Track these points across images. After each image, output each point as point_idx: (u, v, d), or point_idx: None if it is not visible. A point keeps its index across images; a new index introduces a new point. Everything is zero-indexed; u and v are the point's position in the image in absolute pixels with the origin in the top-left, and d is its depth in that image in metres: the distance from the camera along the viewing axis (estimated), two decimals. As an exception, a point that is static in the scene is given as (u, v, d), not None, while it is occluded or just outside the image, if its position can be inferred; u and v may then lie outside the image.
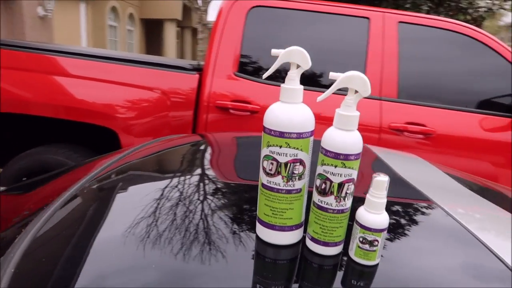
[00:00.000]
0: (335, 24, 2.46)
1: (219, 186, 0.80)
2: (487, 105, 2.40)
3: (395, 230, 0.64)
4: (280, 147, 0.49)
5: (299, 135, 0.49)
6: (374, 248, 0.50)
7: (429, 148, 2.29)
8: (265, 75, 0.52)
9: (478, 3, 5.05)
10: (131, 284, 0.45)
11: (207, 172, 0.92)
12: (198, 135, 1.47)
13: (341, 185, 0.49)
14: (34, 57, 2.26)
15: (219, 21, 2.46)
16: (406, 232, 0.65)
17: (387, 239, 0.59)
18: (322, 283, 0.50)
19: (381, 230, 0.49)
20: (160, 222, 0.59)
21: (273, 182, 0.51)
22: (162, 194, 0.71)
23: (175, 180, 0.81)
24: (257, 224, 0.56)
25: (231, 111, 2.32)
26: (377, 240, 0.49)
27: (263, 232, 0.55)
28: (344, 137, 0.48)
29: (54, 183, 1.08)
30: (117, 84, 2.28)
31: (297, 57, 0.49)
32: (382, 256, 0.53)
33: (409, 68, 2.39)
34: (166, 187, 0.76)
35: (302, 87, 0.50)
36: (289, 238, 0.54)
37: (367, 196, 0.50)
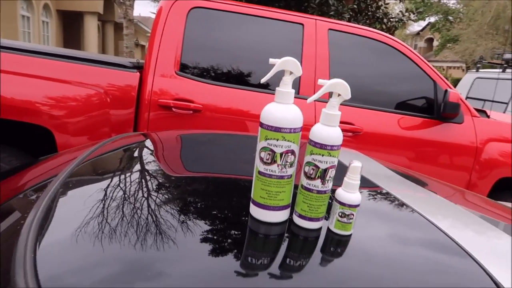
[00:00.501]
0: (272, 28, 2.61)
1: (172, 180, 0.87)
2: (404, 107, 2.72)
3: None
4: (277, 140, 0.59)
5: (293, 130, 0.59)
6: (350, 221, 0.62)
7: (357, 145, 2.54)
8: (263, 80, 0.61)
9: (391, 14, 5.62)
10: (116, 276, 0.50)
11: (155, 169, 0.97)
12: (141, 135, 1.49)
13: (326, 171, 0.61)
14: None
15: (159, 20, 2.48)
16: (367, 212, 0.79)
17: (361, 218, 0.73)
18: (306, 252, 0.61)
19: (356, 206, 0.62)
20: (113, 217, 0.62)
21: (269, 169, 0.61)
22: (107, 195, 0.73)
23: (121, 180, 0.84)
24: (252, 206, 0.65)
25: (174, 109, 2.35)
26: (353, 214, 0.62)
27: (258, 212, 0.65)
28: (329, 131, 0.60)
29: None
30: (55, 81, 2.19)
31: (291, 66, 0.60)
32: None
33: (338, 72, 2.62)
34: (112, 188, 0.78)
35: (293, 90, 0.61)
36: (281, 216, 0.65)
37: (345, 179, 0.62)
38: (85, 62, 2.29)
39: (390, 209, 0.83)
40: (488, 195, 2.76)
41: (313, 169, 0.61)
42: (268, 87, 2.49)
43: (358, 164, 0.61)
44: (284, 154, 0.60)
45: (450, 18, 21.85)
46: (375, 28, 5.26)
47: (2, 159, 2.16)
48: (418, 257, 0.62)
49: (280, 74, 0.61)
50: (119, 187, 0.78)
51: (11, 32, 10.00)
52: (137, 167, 1.00)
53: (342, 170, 0.68)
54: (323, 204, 0.63)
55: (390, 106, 2.70)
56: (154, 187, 0.80)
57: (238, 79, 2.52)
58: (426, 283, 0.55)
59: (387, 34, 2.78)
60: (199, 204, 0.73)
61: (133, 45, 9.47)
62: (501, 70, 6.58)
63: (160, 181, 0.85)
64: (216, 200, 0.77)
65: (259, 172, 0.63)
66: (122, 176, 0.88)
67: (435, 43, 27.58)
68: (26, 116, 2.14)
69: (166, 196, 0.75)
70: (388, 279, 0.55)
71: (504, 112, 5.94)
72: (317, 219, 0.64)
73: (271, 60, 0.59)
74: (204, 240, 0.58)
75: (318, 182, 0.61)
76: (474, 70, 7.33)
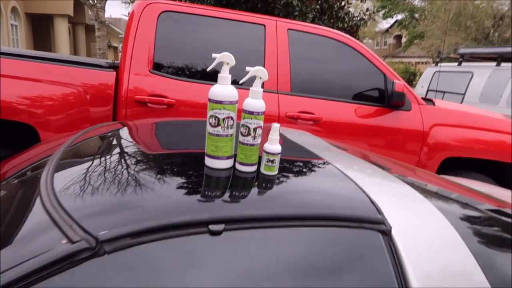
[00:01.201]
0: (236, 29, 2.88)
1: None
2: (359, 97, 3.04)
3: (292, 171, 1.06)
4: (220, 109, 0.87)
5: (230, 102, 0.87)
6: (274, 164, 0.90)
7: (317, 133, 2.83)
8: (209, 69, 0.88)
9: (353, 14, 5.99)
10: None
11: (134, 147, 1.24)
12: (119, 123, 1.73)
13: (254, 130, 0.88)
14: None
15: (132, 22, 2.70)
16: (299, 171, 1.07)
17: (289, 172, 1.01)
18: (247, 187, 0.89)
19: (278, 154, 0.90)
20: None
21: (216, 130, 0.88)
22: (101, 165, 1.01)
23: (109, 154, 1.11)
24: (206, 158, 0.92)
25: (149, 105, 2.59)
26: (275, 160, 0.90)
27: (210, 162, 0.92)
28: (255, 102, 0.88)
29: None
30: (39, 82, 2.40)
31: (226, 58, 0.87)
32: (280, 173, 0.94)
33: (298, 67, 2.91)
34: (102, 160, 1.06)
35: (230, 75, 0.88)
36: (227, 164, 0.93)
37: (269, 136, 0.90)
38: (66, 63, 2.50)
39: (313, 167, 1.11)
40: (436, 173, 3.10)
41: (246, 129, 0.88)
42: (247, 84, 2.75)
43: (277, 125, 0.88)
44: (225, 119, 0.87)
45: (416, 15, 22.69)
46: (337, 27, 5.62)
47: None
48: (321, 187, 0.91)
49: (222, 65, 0.89)
50: (105, 158, 1.04)
51: (-20, 36, 9.90)
52: (120, 146, 1.25)
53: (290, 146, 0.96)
54: (254, 154, 0.91)
55: (347, 97, 3.00)
56: (132, 157, 1.06)
57: (206, 75, 2.77)
58: (322, 199, 0.84)
59: (342, 33, 3.10)
60: (170, 168, 0.99)
61: (106, 47, 9.54)
62: (457, 63, 7.06)
63: (138, 154, 1.11)
64: (180, 165, 1.03)
65: (209, 133, 0.90)
66: (106, 154, 1.13)
67: (403, 39, 28.48)
68: (12, 114, 2.33)
69: (144, 164, 1.01)
70: (295, 198, 0.84)
71: (461, 102, 6.41)
72: (252, 165, 0.92)
73: (214, 55, 0.86)
74: (172, 185, 0.85)
75: (249, 138, 0.89)
76: (434, 65, 7.81)
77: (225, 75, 0.87)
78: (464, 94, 6.76)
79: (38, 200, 0.78)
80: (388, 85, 3.00)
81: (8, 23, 11.67)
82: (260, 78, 0.87)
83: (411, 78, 20.49)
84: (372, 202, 0.87)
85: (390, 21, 28.71)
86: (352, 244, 0.79)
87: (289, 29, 2.94)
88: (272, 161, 0.89)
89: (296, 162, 1.12)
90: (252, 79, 0.88)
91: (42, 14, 13.03)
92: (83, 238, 0.64)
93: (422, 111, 3.09)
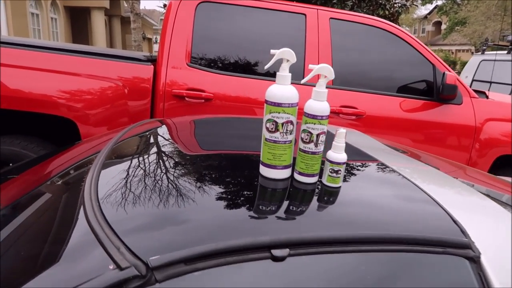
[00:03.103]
0: (276, 19, 2.76)
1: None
2: (405, 90, 2.86)
3: (354, 179, 0.94)
4: (279, 113, 0.76)
5: (291, 105, 0.76)
6: (339, 175, 0.79)
7: (361, 128, 2.68)
8: (266, 67, 0.78)
9: (395, 0, 5.70)
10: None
11: (175, 148, 1.16)
12: (158, 121, 1.67)
13: (317, 136, 0.78)
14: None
15: (169, 16, 2.64)
16: (362, 179, 0.96)
17: (353, 180, 0.90)
18: (308, 202, 0.78)
19: (343, 163, 0.79)
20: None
21: (274, 136, 0.78)
22: (141, 167, 0.93)
23: (150, 157, 1.03)
24: (261, 167, 0.83)
25: (187, 99, 2.53)
26: (340, 170, 0.79)
27: (266, 171, 0.82)
28: (319, 105, 0.77)
29: (44, 165, 1.25)
30: (78, 76, 2.38)
31: (287, 55, 0.76)
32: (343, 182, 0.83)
33: (341, 59, 2.76)
34: (144, 163, 0.98)
35: (290, 74, 0.77)
36: (285, 174, 0.83)
37: (333, 142, 0.79)
38: (104, 57, 2.47)
39: (378, 173, 0.99)
40: (488, 172, 2.89)
41: (308, 135, 0.78)
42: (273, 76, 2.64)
43: (343, 130, 0.77)
44: (284, 124, 0.77)
45: (458, 0, 21.59)
46: (378, 14, 5.36)
47: (30, 149, 2.36)
48: (394, 203, 0.79)
49: (280, 62, 0.78)
50: (149, 163, 0.96)
51: (22, 29, 10.24)
52: (163, 149, 1.18)
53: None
54: (316, 163, 0.80)
55: (391, 90, 2.83)
56: (177, 162, 0.98)
57: (246, 68, 2.68)
58: (398, 219, 0.72)
59: (386, 21, 2.91)
60: (219, 175, 0.90)
61: (141, 39, 9.64)
62: (506, 52, 6.62)
63: (186, 157, 1.03)
64: (231, 169, 0.94)
65: (266, 139, 0.80)
66: (152, 155, 1.06)
67: (443, 26, 27.26)
68: (53, 109, 2.33)
69: (190, 170, 0.93)
70: (365, 216, 0.73)
71: (510, 94, 6.00)
72: (313, 175, 0.81)
73: (272, 51, 0.76)
74: (224, 197, 0.76)
75: (311, 145, 0.78)
76: (480, 53, 7.36)
77: (284, 74, 0.77)
78: (513, 85, 6.33)
79: (82, 212, 0.72)
80: (437, 76, 2.80)
81: (48, 16, 12.02)
82: (326, 76, 0.76)
83: (451, 67, 19.59)
84: (454, 221, 0.75)
85: (429, 7, 27.54)
86: (433, 272, 0.68)
87: (331, 18, 2.79)
88: (337, 172, 0.78)
89: (357, 169, 1.01)
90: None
91: (80, 7, 13.33)
92: (133, 264, 0.57)
93: (474, 104, 2.87)
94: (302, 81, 0.77)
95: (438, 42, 26.82)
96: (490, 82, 6.63)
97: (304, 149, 0.80)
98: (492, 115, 2.87)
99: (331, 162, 0.79)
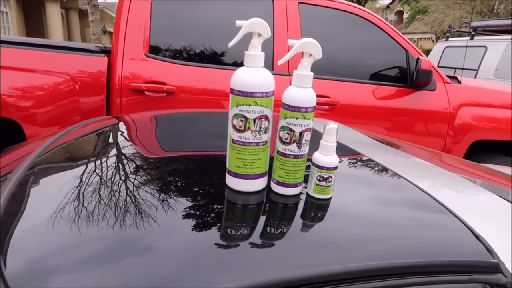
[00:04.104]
0: (241, 5, 2.55)
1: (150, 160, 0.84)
2: (378, 77, 2.74)
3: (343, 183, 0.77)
4: (249, 105, 0.57)
5: (265, 94, 0.57)
6: (329, 184, 0.61)
7: (335, 118, 2.54)
8: (230, 44, 0.58)
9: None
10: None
11: (131, 150, 0.93)
12: (113, 118, 1.45)
13: (301, 134, 0.59)
14: None
15: (124, 1, 2.38)
16: (349, 178, 0.79)
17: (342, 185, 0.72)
18: (287, 219, 0.60)
19: (334, 168, 0.61)
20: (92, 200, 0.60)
21: (243, 137, 0.59)
22: (81, 179, 0.69)
23: (95, 164, 0.80)
24: (228, 176, 0.63)
25: (146, 93, 2.29)
26: (331, 177, 0.61)
27: (234, 182, 0.63)
28: (302, 93, 0.58)
29: None
30: (18, 70, 2.09)
31: (259, 27, 0.57)
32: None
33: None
34: (85, 172, 0.73)
35: (263, 53, 0.58)
36: (258, 185, 0.63)
37: (321, 141, 0.61)
38: (48, 48, 2.19)
39: (371, 174, 0.82)
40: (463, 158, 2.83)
41: (288, 133, 0.59)
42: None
43: (334, 125, 0.59)
44: (257, 120, 0.58)
45: (418, -11, 21.97)
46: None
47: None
48: (400, 215, 0.62)
49: (249, 38, 0.59)
50: (93, 171, 0.74)
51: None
52: (112, 149, 0.96)
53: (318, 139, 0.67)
54: (300, 169, 0.62)
55: (364, 77, 2.70)
56: (131, 168, 0.77)
57: (212, 58, 2.46)
58: (408, 238, 0.55)
59: (358, 6, 2.77)
60: (177, 182, 0.71)
61: (101, 32, 9.14)
62: (469, 38, 6.69)
63: (137, 162, 0.82)
64: (194, 176, 0.74)
65: (233, 141, 0.61)
66: (96, 160, 0.84)
67: (405, 15, 27.76)
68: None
69: (144, 177, 0.72)
70: (371, 238, 0.55)
71: (474, 78, 6.07)
72: (295, 185, 0.63)
73: (238, 22, 0.57)
74: (183, 216, 0.56)
75: (294, 146, 0.60)
76: (444, 40, 7.43)
77: (255, 53, 0.58)
78: (477, 70, 6.43)
79: None
80: (410, 62, 2.69)
81: (-2, 10, 11.23)
82: (310, 55, 0.57)
83: (414, 55, 19.90)
84: (475, 235, 0.59)
85: (391, -4, 27.92)
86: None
87: (300, 2, 2.61)
88: (327, 179, 0.60)
89: (344, 169, 0.83)
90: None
91: (33, 0, 12.53)
92: None
93: (448, 90, 2.78)
94: (280, 61, 0.58)
95: (401, 31, 27.30)
96: (455, 68, 6.70)
97: (284, 152, 0.61)
98: (466, 101, 2.80)
99: (318, 167, 0.61)
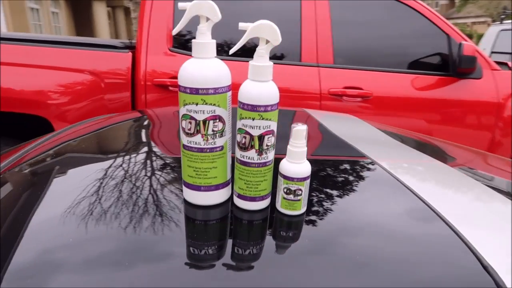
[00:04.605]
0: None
1: (166, 160, 0.77)
2: (417, 65, 2.52)
3: (330, 184, 0.65)
4: (197, 104, 0.47)
5: (215, 91, 0.47)
6: (299, 198, 0.50)
7: (368, 111, 2.37)
8: (233, 50, 0.48)
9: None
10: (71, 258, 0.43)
11: (150, 147, 0.88)
12: (137, 111, 1.41)
13: (261, 138, 0.49)
14: None
15: (147, -4, 2.35)
16: (339, 185, 0.67)
17: (322, 192, 0.61)
18: (253, 238, 0.50)
19: (303, 179, 0.50)
20: (103, 199, 0.56)
21: (193, 141, 0.50)
22: (105, 174, 0.67)
23: (118, 158, 0.77)
24: (183, 188, 0.54)
25: (171, 88, 2.25)
26: (300, 189, 0.50)
27: (189, 194, 0.53)
28: (260, 88, 0.47)
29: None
30: (45, 68, 2.12)
31: (205, 10, 0.47)
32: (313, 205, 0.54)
33: (342, 34, 2.44)
34: (109, 166, 0.71)
35: (214, 41, 0.48)
36: (216, 197, 0.54)
37: (288, 147, 0.50)
38: (73, 46, 2.20)
39: (366, 181, 0.70)
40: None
41: (245, 137, 0.49)
42: (281, 57, 2.35)
43: (302, 127, 0.48)
44: (208, 121, 0.48)
45: (473, -30, 20.54)
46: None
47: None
48: (386, 237, 0.50)
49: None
50: (113, 166, 0.70)
51: (22, 26, 10.03)
52: (136, 145, 0.91)
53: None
54: (263, 180, 0.51)
55: (401, 66, 2.50)
56: (153, 165, 0.71)
57: (240, 51, 2.38)
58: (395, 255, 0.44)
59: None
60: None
61: (143, 28, 9.35)
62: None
63: (158, 159, 0.76)
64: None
65: (184, 146, 0.51)
66: (119, 155, 0.79)
67: (458, -2, 26.14)
68: (23, 107, 2.09)
69: (165, 175, 0.65)
70: (351, 265, 0.44)
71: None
72: (261, 198, 0.52)
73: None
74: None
75: (252, 153, 0.49)
76: (498, 22, 6.85)
77: (203, 40, 0.48)
78: (535, 56, 5.87)
79: None
80: (453, 48, 2.45)
81: (49, 11, 11.80)
82: (267, 41, 0.47)
83: (467, 40, 18.71)
84: (485, 268, 0.46)
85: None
86: None
87: (329, -11, 2.45)
88: (295, 192, 0.50)
89: (339, 178, 0.71)
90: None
91: (81, -1, 13.08)
92: None
93: (496, 78, 2.51)
94: (231, 50, 0.48)
95: (453, 16, 25.77)
96: (511, 54, 6.16)
97: (242, 159, 0.51)
98: (517, 89, 2.52)
99: (285, 177, 0.50)
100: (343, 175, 0.71)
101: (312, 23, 2.39)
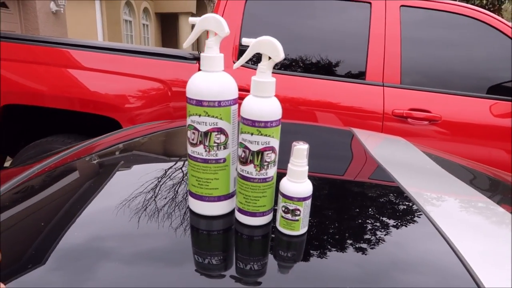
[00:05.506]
0: (337, 9, 2.42)
1: None
2: (497, 90, 2.32)
3: (345, 206, 0.63)
4: (199, 116, 0.49)
5: (219, 103, 0.48)
6: (297, 218, 0.49)
7: (435, 135, 2.23)
8: (236, 65, 0.50)
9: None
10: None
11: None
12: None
13: (259, 154, 0.48)
14: (47, 51, 2.31)
15: (218, 10, 2.46)
16: (356, 209, 0.64)
17: (328, 212, 0.58)
18: (254, 253, 0.50)
19: (303, 199, 0.48)
20: (158, 198, 0.60)
21: (196, 152, 0.51)
22: (164, 174, 0.71)
23: (179, 162, 0.81)
24: (189, 197, 0.55)
25: (231, 99, 2.31)
26: (298, 209, 0.48)
27: (193, 204, 0.55)
28: (261, 104, 0.47)
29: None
30: (120, 75, 2.31)
31: (212, 24, 0.49)
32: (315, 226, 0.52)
33: (412, 54, 2.33)
34: (169, 167, 0.76)
35: (222, 55, 0.49)
36: (217, 209, 0.54)
37: (288, 165, 0.49)
38: (145, 55, 2.37)
39: (384, 207, 0.65)
40: None
41: (244, 152, 0.49)
42: (345, 75, 2.32)
43: (303, 146, 0.47)
44: (209, 133, 0.49)
45: None
46: (473, 4, 4.61)
47: (67, 144, 2.35)
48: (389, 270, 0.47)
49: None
50: (171, 169, 0.75)
51: (116, 35, 11.03)
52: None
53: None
54: (262, 196, 0.51)
55: (478, 90, 2.32)
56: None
57: (303, 66, 2.38)
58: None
59: (473, 6, 2.39)
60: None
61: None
62: None
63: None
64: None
65: (188, 155, 0.53)
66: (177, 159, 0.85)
67: None
68: (97, 109, 2.29)
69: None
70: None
71: None
72: (261, 214, 0.51)
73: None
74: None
75: (251, 167, 0.49)
76: None
77: (210, 54, 0.49)
78: None
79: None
80: (542, 74, 2.22)
81: (140, 23, 12.82)
82: (270, 58, 0.46)
83: None
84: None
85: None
86: None
87: (402, 5, 2.36)
88: (294, 212, 0.48)
89: (355, 200, 0.67)
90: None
91: (169, 13, 14.01)
92: None
93: None
94: (235, 66, 0.48)
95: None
96: None
97: (242, 173, 0.51)
98: None
99: (284, 196, 0.49)
100: (361, 198, 0.67)
101: (380, 41, 2.32)
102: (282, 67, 2.38)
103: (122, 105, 2.28)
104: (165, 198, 0.60)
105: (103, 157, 0.87)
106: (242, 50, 2.38)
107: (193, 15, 14.40)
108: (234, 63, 2.35)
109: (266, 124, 0.47)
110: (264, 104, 0.47)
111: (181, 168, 0.75)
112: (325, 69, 2.34)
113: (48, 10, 5.72)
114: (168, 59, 2.38)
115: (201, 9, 14.91)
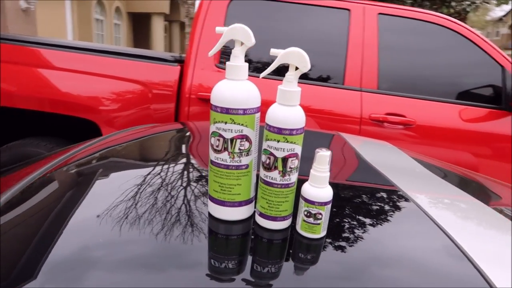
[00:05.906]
0: (316, 16, 2.47)
1: (202, 173, 0.81)
2: (466, 96, 2.44)
3: (352, 211, 0.66)
4: (225, 123, 0.50)
5: (244, 111, 0.50)
6: (319, 222, 0.51)
7: (409, 139, 2.32)
8: (263, 74, 0.52)
9: (462, -3, 5.12)
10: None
11: (188, 159, 0.93)
12: (179, 123, 1.48)
13: (284, 160, 0.50)
14: (16, 49, 2.23)
15: (200, 13, 2.46)
16: (361, 212, 0.67)
17: (345, 217, 0.61)
18: (272, 256, 0.51)
19: (325, 204, 0.51)
20: (139, 205, 0.60)
21: (220, 158, 0.52)
22: (143, 180, 0.71)
23: (156, 166, 0.81)
24: (209, 202, 0.57)
25: (212, 103, 2.32)
26: (320, 213, 0.51)
27: (213, 209, 0.56)
28: (286, 112, 0.49)
29: (25, 169, 1.08)
30: (98, 76, 2.27)
31: (239, 34, 0.50)
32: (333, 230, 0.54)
33: (389, 60, 2.41)
34: (147, 174, 0.76)
35: (246, 64, 0.51)
36: (238, 213, 0.56)
37: (311, 171, 0.51)
38: (127, 57, 2.33)
39: (391, 211, 0.69)
40: None
41: (269, 158, 0.51)
42: (324, 79, 2.37)
43: (326, 153, 0.49)
44: (235, 140, 0.51)
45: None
46: (441, 13, 4.82)
47: (42, 147, 2.28)
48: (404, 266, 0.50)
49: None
50: (150, 175, 0.74)
51: (86, 35, 10.76)
52: (175, 155, 0.96)
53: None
54: (285, 201, 0.53)
55: (449, 96, 2.43)
56: (189, 176, 0.75)
57: (282, 70, 2.42)
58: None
59: (446, 16, 2.51)
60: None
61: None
62: None
63: (195, 170, 0.80)
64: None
65: (211, 162, 0.54)
66: (158, 163, 0.85)
67: (521, 28, 24.92)
68: (74, 110, 2.23)
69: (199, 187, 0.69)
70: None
71: None
72: (282, 218, 0.54)
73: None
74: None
75: (275, 173, 0.51)
76: None
77: (236, 63, 0.51)
78: None
79: None
80: (506, 80, 2.35)
81: (112, 22, 12.57)
82: (297, 68, 0.49)
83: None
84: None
85: (506, 8, 25.30)
86: None
87: (380, 13, 2.45)
88: (315, 216, 0.51)
89: (362, 204, 0.71)
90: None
91: (141, 13, 13.80)
92: None
93: (553, 115, 2.37)
94: (262, 74, 0.50)
95: (515, 46, 24.57)
96: None
97: (266, 179, 0.53)
98: None
99: (306, 200, 0.51)
100: (367, 202, 0.71)
101: (358, 47, 2.39)
102: (261, 71, 2.40)
103: (96, 106, 2.24)
104: (169, 202, 0.60)
105: (85, 165, 0.86)
106: (224, 52, 2.40)
107: (166, 15, 14.25)
108: (216, 66, 2.36)
109: (291, 132, 0.49)
110: (290, 112, 0.49)
111: (181, 171, 0.75)
112: (304, 73, 2.39)
113: (18, 7, 5.52)
114: (149, 61, 2.36)
115: (174, 10, 14.77)
